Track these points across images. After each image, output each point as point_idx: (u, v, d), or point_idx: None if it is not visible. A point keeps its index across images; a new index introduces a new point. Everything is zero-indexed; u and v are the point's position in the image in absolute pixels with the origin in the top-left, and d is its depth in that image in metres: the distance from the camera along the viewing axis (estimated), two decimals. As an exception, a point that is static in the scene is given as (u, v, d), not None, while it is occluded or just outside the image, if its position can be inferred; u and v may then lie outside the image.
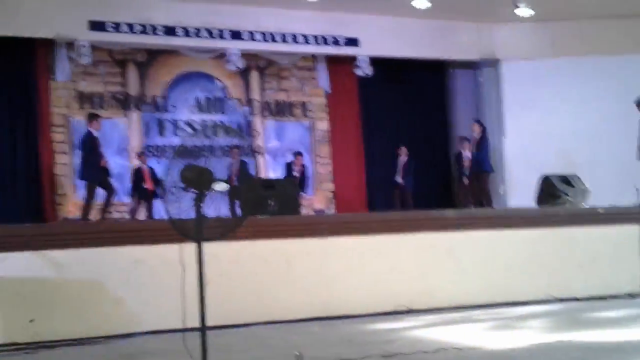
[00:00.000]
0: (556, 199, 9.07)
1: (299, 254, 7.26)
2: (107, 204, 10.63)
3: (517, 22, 14.31)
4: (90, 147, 10.35)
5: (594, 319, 6.90)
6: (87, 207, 10.38)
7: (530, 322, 6.71)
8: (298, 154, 12.98)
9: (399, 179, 13.51)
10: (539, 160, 12.40)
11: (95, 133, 10.44)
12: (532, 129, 14.00)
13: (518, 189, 13.08)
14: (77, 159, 12.95)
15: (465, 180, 12.40)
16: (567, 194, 9.13)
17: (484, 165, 11.79)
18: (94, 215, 10.54)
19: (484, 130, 11.99)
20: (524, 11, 13.61)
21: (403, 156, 13.60)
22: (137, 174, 12.52)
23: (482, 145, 11.81)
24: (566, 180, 9.41)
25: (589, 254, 8.23)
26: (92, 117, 10.66)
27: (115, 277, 6.59)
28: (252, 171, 5.44)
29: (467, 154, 12.44)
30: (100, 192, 10.55)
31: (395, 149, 13.76)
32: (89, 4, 12.49)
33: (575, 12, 13.94)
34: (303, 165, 12.88)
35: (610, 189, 9.91)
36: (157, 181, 12.34)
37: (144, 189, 12.33)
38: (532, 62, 14.47)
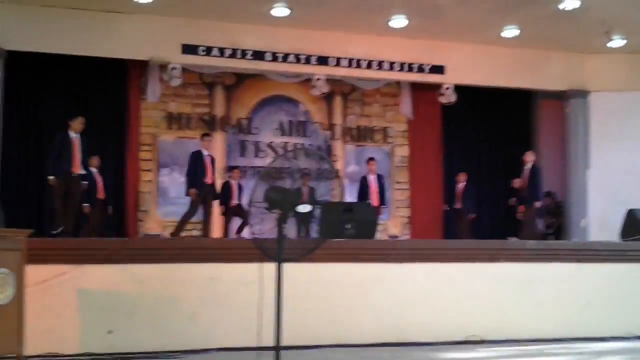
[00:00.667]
0: (641, 233, 8.80)
1: (373, 279, 7.26)
2: (206, 221, 10.78)
3: (609, 54, 14.00)
4: (196, 165, 10.66)
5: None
6: (182, 222, 10.63)
7: (608, 358, 6.54)
8: (371, 159, 12.65)
9: (457, 205, 13.38)
10: (625, 194, 12.07)
11: (204, 152, 10.77)
12: (618, 163, 13.62)
13: (602, 222, 12.74)
14: (162, 177, 13.46)
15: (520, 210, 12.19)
16: (652, 230, 8.85)
17: (530, 196, 11.56)
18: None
19: (535, 161, 11.77)
20: (616, 43, 13.35)
21: (461, 182, 13.45)
22: (225, 190, 12.49)
23: (531, 176, 11.61)
24: (653, 215, 9.12)
25: (674, 291, 7.95)
26: (203, 137, 11.16)
27: (191, 293, 6.73)
28: (327, 196, 5.48)
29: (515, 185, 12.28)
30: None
31: (456, 175, 13.67)
32: (183, 28, 12.81)
33: (671, 45, 13.58)
34: (379, 176, 12.46)
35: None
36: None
37: (231, 205, 12.39)
38: (623, 95, 14.11)
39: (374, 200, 12.02)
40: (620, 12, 12.14)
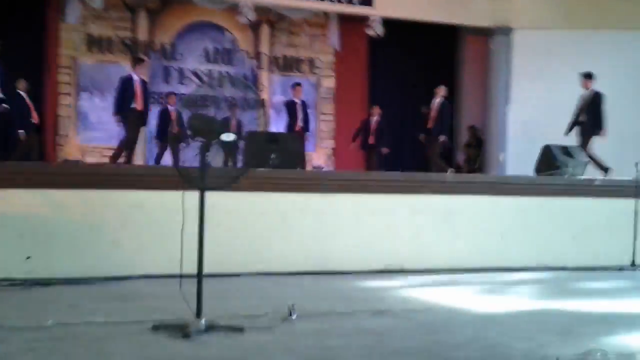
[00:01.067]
0: (555, 169, 9.06)
1: (297, 209, 7.33)
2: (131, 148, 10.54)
3: (534, -8, 14.21)
4: (125, 90, 10.18)
5: (582, 289, 7.01)
6: (120, 149, 10.24)
7: (519, 288, 6.82)
8: (297, 84, 12.43)
9: (370, 139, 13.01)
10: (542, 130, 12.37)
11: (135, 77, 10.25)
12: (538, 99, 13.95)
13: (519, 157, 13.09)
14: (82, 101, 13.13)
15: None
16: (566, 165, 9.12)
17: (436, 131, 11.65)
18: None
19: (445, 95, 11.86)
20: (540, -19, 13.49)
21: (375, 116, 13.16)
22: (163, 117, 12.14)
23: (439, 110, 11.66)
24: (567, 151, 9.38)
25: (583, 225, 8.32)
26: (136, 61, 10.42)
27: (114, 220, 6.67)
28: (252, 125, 5.51)
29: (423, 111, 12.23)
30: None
31: (369, 109, 13.50)
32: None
33: (593, -15, 13.82)
34: (303, 102, 12.23)
35: (612, 164, 9.95)
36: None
37: (171, 132, 11.92)
38: (545, 33, 14.35)
39: (297, 126, 11.92)
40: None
